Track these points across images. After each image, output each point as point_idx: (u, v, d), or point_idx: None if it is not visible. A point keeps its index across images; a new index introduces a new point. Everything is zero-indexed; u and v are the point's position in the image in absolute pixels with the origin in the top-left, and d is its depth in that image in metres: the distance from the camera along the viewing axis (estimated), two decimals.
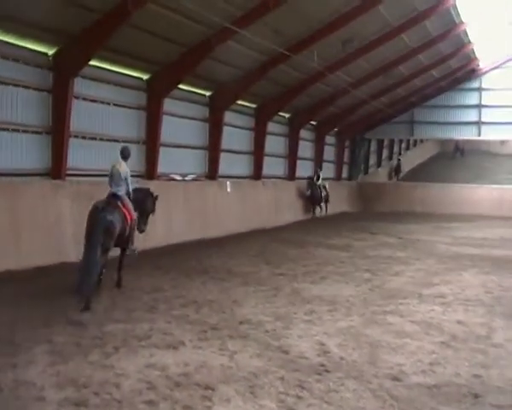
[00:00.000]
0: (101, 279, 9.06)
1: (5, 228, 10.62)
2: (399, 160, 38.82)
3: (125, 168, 9.29)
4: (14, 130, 11.78)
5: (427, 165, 41.52)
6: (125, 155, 9.46)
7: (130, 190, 9.36)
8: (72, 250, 12.01)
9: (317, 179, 24.83)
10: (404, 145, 41.00)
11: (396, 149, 39.50)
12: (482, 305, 8.81)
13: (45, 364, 5.70)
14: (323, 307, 8.46)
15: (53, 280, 9.80)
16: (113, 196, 9.06)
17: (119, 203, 8.96)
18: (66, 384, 5.15)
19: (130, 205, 9.22)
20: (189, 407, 4.73)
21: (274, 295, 9.28)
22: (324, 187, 25.44)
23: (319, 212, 25.40)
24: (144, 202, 10.13)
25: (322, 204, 25.51)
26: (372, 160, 35.11)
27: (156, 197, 10.63)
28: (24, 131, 12.03)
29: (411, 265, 12.64)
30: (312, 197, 24.58)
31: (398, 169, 37.93)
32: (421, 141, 41.56)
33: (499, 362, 6.10)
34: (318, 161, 27.34)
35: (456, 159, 38.81)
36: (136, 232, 9.91)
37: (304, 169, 25.97)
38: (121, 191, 9.14)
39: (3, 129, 11.55)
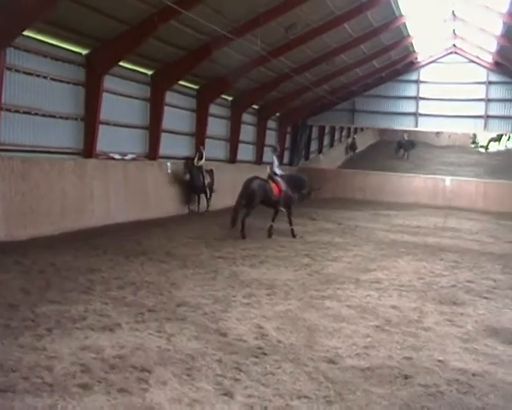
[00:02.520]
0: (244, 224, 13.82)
1: None
2: (354, 138, 41.74)
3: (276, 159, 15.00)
4: None
5: (367, 153, 42.44)
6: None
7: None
8: (2, 228, 11.59)
9: (200, 160, 19.41)
10: (344, 133, 41.80)
11: (337, 136, 40.21)
12: (415, 290, 9.10)
13: None
14: (262, 290, 8.51)
15: None
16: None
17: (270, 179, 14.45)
18: None
19: (279, 181, 14.48)
20: (124, 389, 4.64)
21: (213, 277, 9.25)
22: (209, 171, 19.82)
23: (199, 205, 19.79)
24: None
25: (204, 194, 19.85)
26: (313, 146, 35.52)
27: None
28: None
29: (349, 251, 12.91)
30: (193, 184, 19.00)
31: (353, 146, 41.23)
32: (362, 129, 42.44)
33: (428, 345, 6.33)
34: (260, 145, 27.33)
35: (400, 156, 39.20)
36: None
37: (246, 153, 25.98)
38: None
39: None
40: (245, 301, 7.84)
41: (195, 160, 19.30)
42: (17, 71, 12.81)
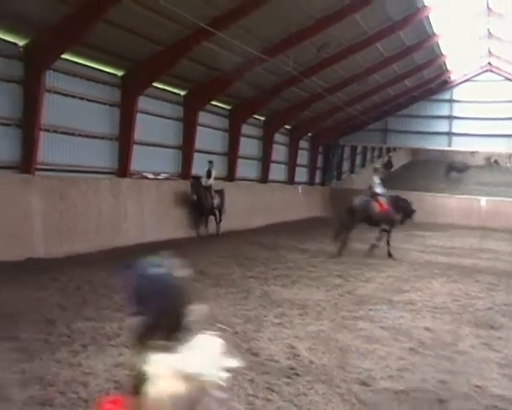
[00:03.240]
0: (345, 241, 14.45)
1: None
2: (390, 156, 41.18)
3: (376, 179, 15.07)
4: None
5: (400, 173, 42.01)
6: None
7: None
8: (41, 245, 11.85)
9: (208, 178, 17.46)
10: (376, 153, 41.51)
11: (369, 155, 39.98)
12: (449, 313, 8.94)
13: (9, 361, 5.57)
14: (294, 310, 8.48)
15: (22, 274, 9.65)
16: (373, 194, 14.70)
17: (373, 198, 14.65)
18: (31, 383, 5.05)
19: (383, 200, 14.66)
20: None
21: (245, 297, 9.26)
22: (219, 192, 17.79)
23: (206, 228, 17.57)
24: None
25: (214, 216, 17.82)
26: (345, 166, 35.41)
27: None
28: None
29: (383, 272, 12.76)
30: (200, 205, 16.96)
31: (388, 164, 39.99)
32: (394, 149, 42.09)
33: (465, 369, 6.20)
34: (292, 165, 27.39)
35: (451, 178, 38.31)
36: None
37: (278, 173, 26.06)
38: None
39: None
40: (277, 320, 7.83)
41: (203, 179, 17.31)
42: (56, 93, 13.20)
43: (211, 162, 17.69)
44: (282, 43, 17.10)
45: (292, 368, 5.85)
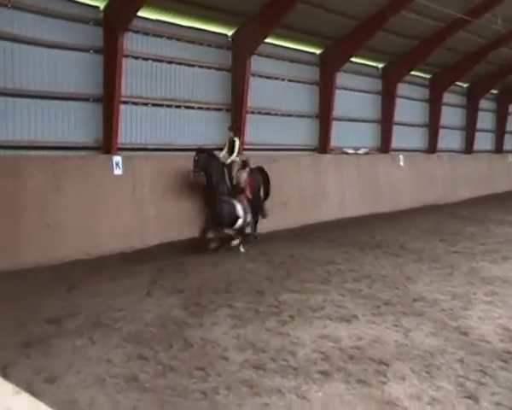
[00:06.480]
0: None
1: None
2: None
3: None
4: (198, 108, 12.68)
5: None
6: None
7: None
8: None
9: (231, 154, 11.49)
10: None
11: None
12: None
13: (227, 326, 6.15)
14: (507, 289, 7.90)
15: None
16: None
17: None
18: (246, 347, 5.50)
19: None
20: (362, 380, 4.75)
21: (449, 273, 8.89)
22: (255, 170, 11.70)
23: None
24: None
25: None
26: None
27: None
28: (207, 109, 12.87)
29: None
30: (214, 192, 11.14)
31: None
32: None
33: None
34: (501, 132, 25.26)
35: None
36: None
37: (483, 142, 24.28)
38: None
39: (189, 107, 12.46)
40: (487, 299, 7.37)
41: (223, 153, 11.59)
42: (259, 76, 13.93)
43: (232, 128, 12.03)
44: (488, 1, 15.74)
45: (507, 352, 5.46)
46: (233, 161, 11.38)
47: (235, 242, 10.57)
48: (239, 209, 10.52)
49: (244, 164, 11.36)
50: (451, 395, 4.53)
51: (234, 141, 11.47)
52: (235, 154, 11.40)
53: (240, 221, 10.52)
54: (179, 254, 10.12)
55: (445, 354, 5.38)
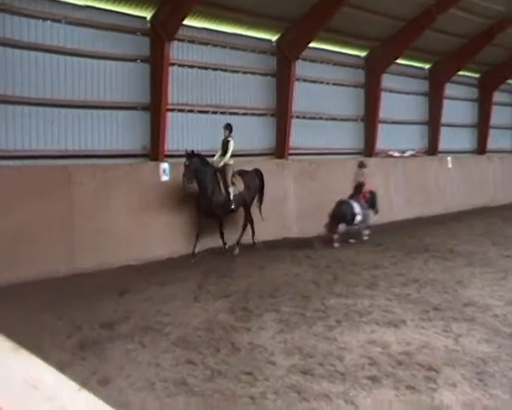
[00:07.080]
0: None
1: None
2: None
3: None
4: (243, 113, 12.78)
5: None
6: None
7: None
8: (295, 225, 12.70)
9: (223, 155, 10.72)
10: None
11: None
12: None
13: (274, 331, 6.17)
14: None
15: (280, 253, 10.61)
16: None
17: None
18: (293, 352, 5.50)
19: None
20: (412, 386, 4.68)
21: (503, 277, 8.65)
22: (245, 174, 11.23)
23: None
24: None
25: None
26: None
27: None
28: (252, 114, 12.97)
29: None
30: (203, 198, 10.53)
31: None
32: None
33: None
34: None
35: None
36: None
37: None
38: None
39: (234, 113, 12.57)
40: None
41: (216, 157, 10.80)
42: (304, 80, 13.92)
43: (228, 127, 10.88)
44: None
45: None
46: (226, 164, 10.62)
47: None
48: (356, 208, 11.81)
49: (361, 164, 12.68)
50: (507, 404, 4.41)
51: (228, 141, 10.65)
52: (228, 155, 10.58)
53: (358, 218, 11.81)
54: (225, 259, 10.23)
55: (498, 361, 5.23)
